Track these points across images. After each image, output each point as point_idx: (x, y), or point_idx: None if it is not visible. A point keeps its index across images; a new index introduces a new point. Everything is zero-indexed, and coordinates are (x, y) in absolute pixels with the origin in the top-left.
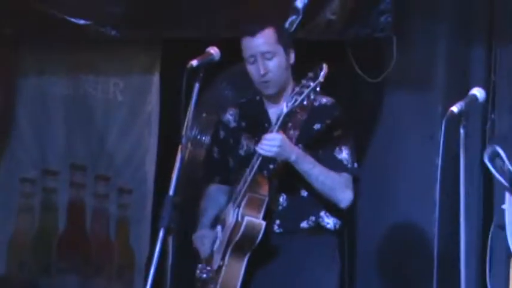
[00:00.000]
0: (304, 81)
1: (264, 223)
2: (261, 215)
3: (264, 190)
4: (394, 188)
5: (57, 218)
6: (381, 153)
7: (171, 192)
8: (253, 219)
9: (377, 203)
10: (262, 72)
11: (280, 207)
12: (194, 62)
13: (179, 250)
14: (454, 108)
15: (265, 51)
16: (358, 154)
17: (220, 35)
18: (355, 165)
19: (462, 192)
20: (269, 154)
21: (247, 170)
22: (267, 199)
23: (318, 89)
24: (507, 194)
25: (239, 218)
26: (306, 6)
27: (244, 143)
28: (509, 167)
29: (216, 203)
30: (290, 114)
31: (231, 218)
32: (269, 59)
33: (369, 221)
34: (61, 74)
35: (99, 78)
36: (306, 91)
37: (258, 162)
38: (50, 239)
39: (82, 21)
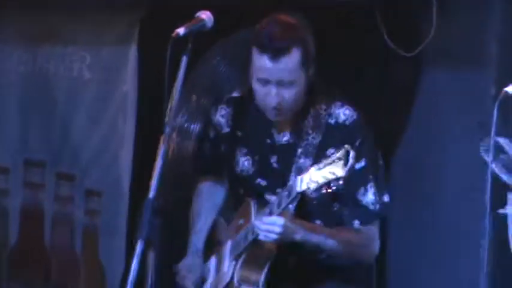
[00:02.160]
0: (327, 162)
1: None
2: (262, 276)
3: (271, 245)
4: (434, 191)
5: (8, 226)
6: (418, 146)
7: (151, 195)
8: (248, 282)
9: (413, 210)
10: (275, 103)
11: (295, 266)
12: (181, 30)
13: (162, 268)
14: (510, 89)
15: (284, 80)
16: (388, 155)
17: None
18: (385, 198)
19: None
20: (270, 241)
21: (250, 225)
22: (273, 256)
23: (340, 182)
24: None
25: (234, 279)
26: None
27: (241, 160)
28: None
29: (212, 204)
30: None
31: (226, 266)
32: (286, 87)
33: (403, 230)
34: (12, 46)
35: (61, 51)
36: (327, 179)
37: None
38: None
39: None
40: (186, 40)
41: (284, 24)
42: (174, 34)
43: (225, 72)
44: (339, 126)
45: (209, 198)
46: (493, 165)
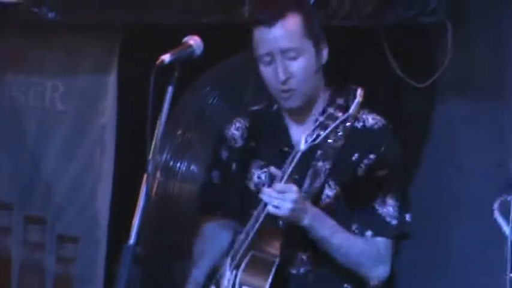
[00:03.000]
0: (330, 110)
1: None
2: (267, 283)
3: (274, 248)
4: (447, 237)
5: None
6: (430, 187)
7: (131, 241)
8: None
9: (423, 258)
10: (282, 77)
11: (301, 271)
12: (166, 57)
13: None
14: None
15: (287, 48)
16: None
17: (202, 20)
18: (407, 217)
19: None
20: (282, 213)
21: (252, 219)
22: (277, 261)
23: (347, 124)
24: None
25: (236, 285)
26: None
27: (255, 173)
28: None
29: (216, 245)
30: (312, 151)
31: (226, 282)
32: (292, 59)
33: (415, 267)
34: None
35: (32, 79)
36: (332, 125)
37: (265, 212)
38: None
39: None
40: (172, 68)
41: (276, 4)
42: (158, 61)
43: (215, 104)
44: (366, 130)
45: (214, 240)
46: (506, 228)
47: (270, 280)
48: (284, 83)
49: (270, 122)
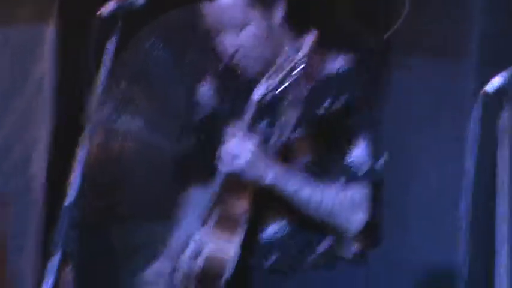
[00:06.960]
0: (286, 50)
1: (232, 257)
2: (233, 244)
3: (241, 207)
4: (404, 205)
5: None
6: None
7: (68, 202)
8: (216, 252)
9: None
10: (229, 52)
11: (278, 234)
12: (107, 7)
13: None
14: (493, 84)
15: (227, 23)
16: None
17: None
18: (380, 161)
19: (502, 211)
20: (229, 169)
21: (216, 182)
22: (243, 219)
23: (303, 66)
24: None
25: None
26: None
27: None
28: None
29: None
30: (268, 103)
31: (192, 243)
32: (238, 31)
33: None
34: None
35: None
36: (285, 70)
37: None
38: None
39: None
40: (114, 19)
41: None
42: (99, 12)
43: (161, 56)
44: (333, 75)
45: (197, 204)
46: None
47: (238, 237)
48: (231, 58)
49: (237, 85)
